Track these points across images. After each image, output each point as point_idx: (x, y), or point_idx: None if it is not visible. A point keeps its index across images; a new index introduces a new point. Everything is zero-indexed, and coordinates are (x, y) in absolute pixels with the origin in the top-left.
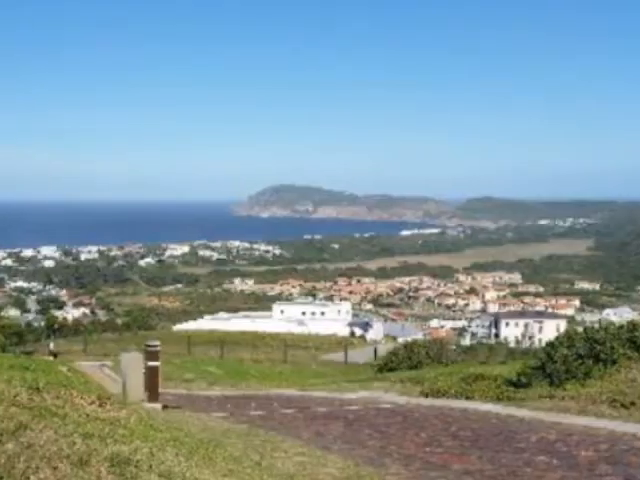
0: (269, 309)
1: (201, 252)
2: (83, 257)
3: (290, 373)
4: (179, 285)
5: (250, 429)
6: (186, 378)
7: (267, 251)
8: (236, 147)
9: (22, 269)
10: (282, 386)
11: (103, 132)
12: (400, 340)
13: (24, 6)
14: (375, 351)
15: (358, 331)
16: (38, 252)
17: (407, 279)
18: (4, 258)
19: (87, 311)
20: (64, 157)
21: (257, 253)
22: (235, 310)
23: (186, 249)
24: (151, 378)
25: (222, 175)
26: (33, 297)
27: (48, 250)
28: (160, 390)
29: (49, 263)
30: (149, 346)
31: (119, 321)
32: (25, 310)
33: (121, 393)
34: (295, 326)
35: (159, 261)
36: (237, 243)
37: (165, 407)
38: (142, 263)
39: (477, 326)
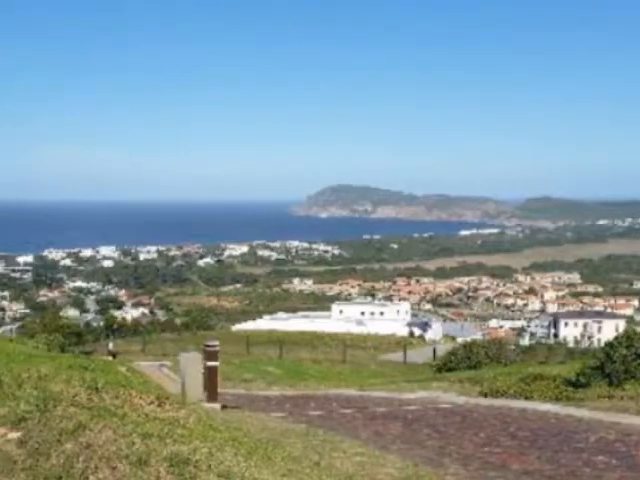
0: (328, 309)
1: (260, 252)
2: (142, 257)
3: (349, 373)
4: (238, 285)
5: (309, 429)
6: (245, 378)
7: (326, 251)
8: (295, 148)
9: (81, 269)
10: (341, 386)
11: (164, 133)
12: (459, 340)
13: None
14: (434, 351)
15: (417, 331)
16: (97, 252)
17: (466, 279)
18: (63, 258)
19: (146, 311)
20: (124, 158)
21: (316, 253)
22: (294, 310)
23: (245, 249)
24: (210, 378)
25: (281, 175)
26: (92, 297)
27: (107, 250)
28: (219, 390)
29: (108, 263)
30: (208, 346)
31: (178, 321)
32: (84, 310)
33: (180, 393)
34: (354, 326)
35: (218, 261)
36: (296, 243)
37: (224, 407)
38: (201, 263)
39: (536, 326)
